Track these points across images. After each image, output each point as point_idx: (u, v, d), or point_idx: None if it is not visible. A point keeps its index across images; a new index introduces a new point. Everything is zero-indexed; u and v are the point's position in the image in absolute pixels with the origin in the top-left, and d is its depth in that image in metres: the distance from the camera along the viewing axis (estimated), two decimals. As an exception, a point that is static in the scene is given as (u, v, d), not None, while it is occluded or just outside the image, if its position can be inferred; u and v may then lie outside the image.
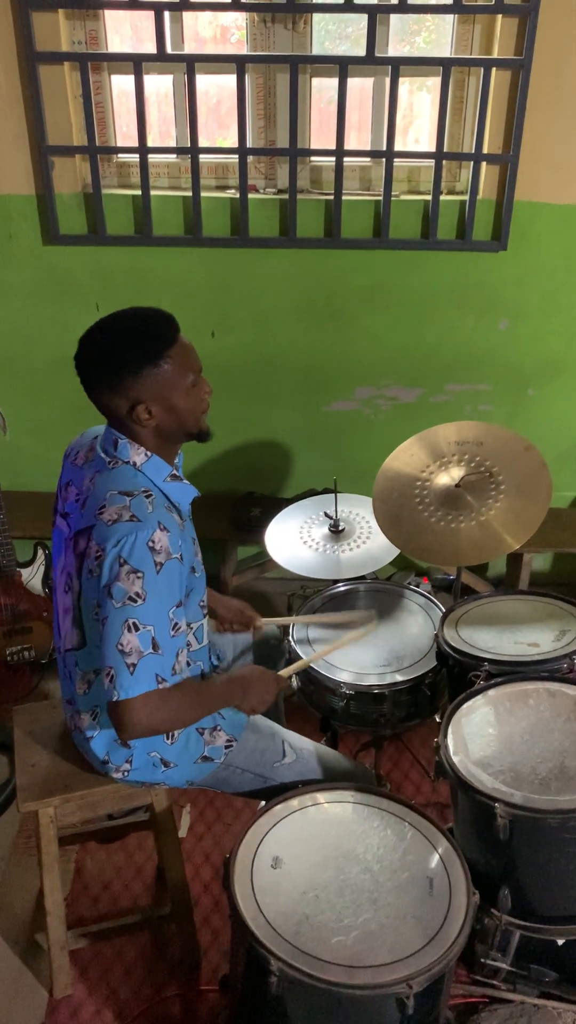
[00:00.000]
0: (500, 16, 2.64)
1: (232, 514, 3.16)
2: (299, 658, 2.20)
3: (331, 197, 2.88)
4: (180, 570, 1.65)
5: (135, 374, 1.60)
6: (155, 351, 1.61)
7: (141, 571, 1.56)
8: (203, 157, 2.87)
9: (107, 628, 1.58)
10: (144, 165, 2.82)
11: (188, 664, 1.82)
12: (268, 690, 1.86)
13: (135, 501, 1.60)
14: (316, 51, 2.85)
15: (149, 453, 1.68)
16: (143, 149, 2.80)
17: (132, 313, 1.66)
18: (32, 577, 2.91)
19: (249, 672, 1.87)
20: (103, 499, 1.62)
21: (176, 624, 1.64)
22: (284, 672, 1.98)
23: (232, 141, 2.85)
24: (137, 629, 1.57)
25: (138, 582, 1.56)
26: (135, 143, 2.81)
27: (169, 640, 1.62)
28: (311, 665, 2.20)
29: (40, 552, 2.95)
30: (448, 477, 2.31)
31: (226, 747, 1.86)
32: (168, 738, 1.80)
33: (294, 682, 2.30)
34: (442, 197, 2.89)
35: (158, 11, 2.63)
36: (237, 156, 2.82)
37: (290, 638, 2.27)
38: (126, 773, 1.82)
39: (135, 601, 1.57)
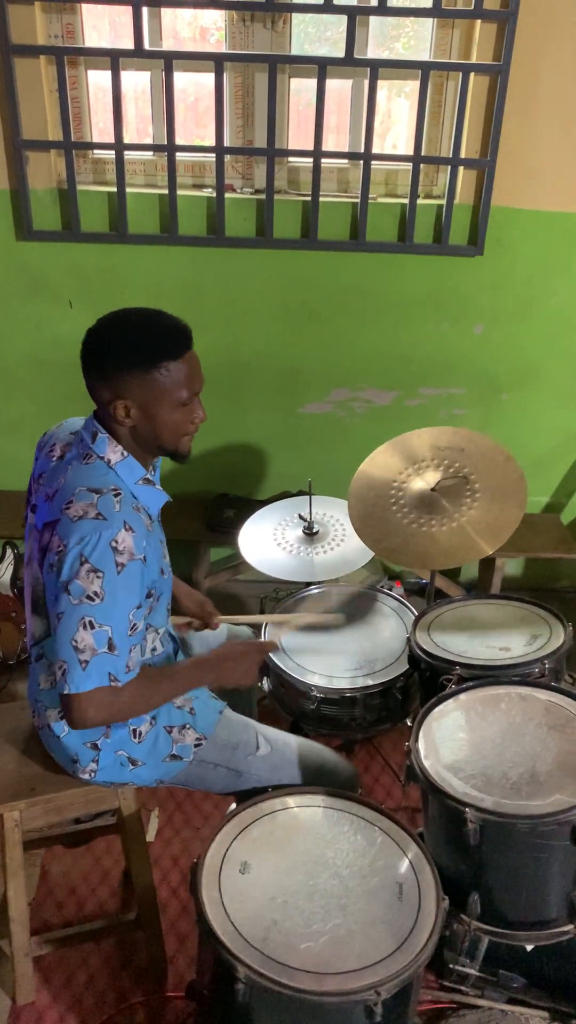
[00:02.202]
0: (479, 21, 2.64)
1: (205, 515, 3.14)
2: (273, 664, 2.19)
3: (308, 198, 2.87)
4: (143, 571, 1.62)
5: (126, 371, 1.59)
6: (152, 357, 1.59)
7: (101, 571, 1.55)
8: (180, 155, 2.84)
9: (62, 623, 1.57)
10: (120, 162, 2.79)
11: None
12: (251, 660, 1.85)
13: (103, 499, 1.58)
14: (295, 52, 2.84)
15: (125, 453, 1.66)
16: (119, 145, 2.77)
17: (153, 314, 1.65)
18: (0, 576, 2.87)
19: (227, 648, 1.85)
20: (71, 494, 1.60)
21: (135, 625, 1.62)
22: (264, 643, 1.97)
23: (209, 140, 2.83)
24: (93, 628, 1.56)
25: (97, 581, 1.55)
26: (111, 139, 2.79)
27: (125, 640, 1.60)
28: (283, 668, 2.18)
29: (9, 551, 2.91)
30: (424, 481, 2.31)
31: (195, 745, 1.84)
32: (135, 737, 1.77)
33: (265, 685, 2.28)
34: (419, 201, 2.89)
35: (136, 6, 2.61)
36: (214, 155, 2.80)
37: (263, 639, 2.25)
38: (93, 774, 1.79)
39: (92, 600, 1.55)
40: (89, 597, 1.55)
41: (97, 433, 1.66)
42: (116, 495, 1.60)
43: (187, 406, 1.65)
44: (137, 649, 1.66)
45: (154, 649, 1.81)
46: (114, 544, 1.55)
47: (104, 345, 1.62)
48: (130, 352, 1.60)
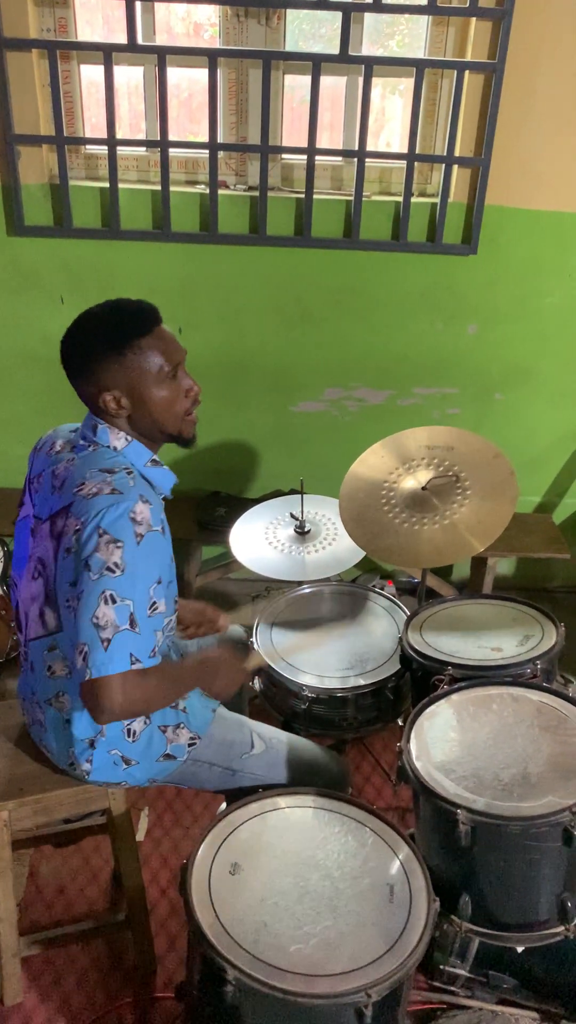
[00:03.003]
0: (474, 19, 2.64)
1: (197, 513, 3.13)
2: (264, 663, 2.18)
3: (302, 195, 2.86)
4: (163, 544, 1.61)
5: (101, 361, 1.60)
6: (121, 338, 1.60)
7: (121, 540, 1.52)
8: (173, 151, 2.83)
9: (83, 601, 1.52)
10: (113, 157, 2.77)
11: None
12: (235, 677, 1.83)
13: (116, 476, 1.58)
14: (290, 49, 2.82)
15: (129, 438, 1.66)
16: (112, 141, 2.76)
17: (110, 303, 1.66)
18: (-9, 574, 2.85)
19: (218, 656, 1.82)
20: (83, 477, 1.59)
21: (155, 604, 1.59)
22: (250, 663, 1.95)
23: (203, 136, 2.81)
24: (114, 602, 1.52)
25: (117, 552, 1.52)
26: (104, 135, 2.77)
27: (147, 619, 1.57)
28: (272, 667, 2.17)
29: (0, 550, 2.89)
30: (415, 480, 2.30)
31: (189, 745, 1.83)
32: (129, 736, 1.76)
33: (256, 684, 2.27)
34: (413, 199, 2.88)
35: (129, 0, 2.59)
36: (208, 151, 2.78)
37: (254, 641, 2.24)
38: (87, 773, 1.78)
39: (113, 572, 1.52)
40: (109, 569, 1.51)
41: (97, 426, 1.66)
42: (129, 473, 1.60)
43: (174, 379, 1.64)
44: (160, 635, 1.62)
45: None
46: (132, 515, 1.54)
47: (75, 343, 1.63)
48: (99, 341, 1.61)
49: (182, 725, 1.83)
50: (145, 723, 1.78)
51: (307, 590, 2.48)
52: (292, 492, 2.82)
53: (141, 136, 2.94)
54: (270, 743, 1.89)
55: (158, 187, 2.85)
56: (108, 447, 1.66)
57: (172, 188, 2.84)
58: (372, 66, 2.68)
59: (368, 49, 2.83)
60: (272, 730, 1.95)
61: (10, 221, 2.88)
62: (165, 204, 2.83)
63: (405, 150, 2.80)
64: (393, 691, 2.16)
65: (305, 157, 2.80)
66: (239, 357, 3.11)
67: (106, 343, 1.60)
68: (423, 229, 2.93)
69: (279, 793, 1.77)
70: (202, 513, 3.11)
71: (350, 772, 1.97)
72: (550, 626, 2.13)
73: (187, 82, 2.94)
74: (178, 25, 2.89)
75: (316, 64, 2.67)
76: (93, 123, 2.92)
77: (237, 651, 2.16)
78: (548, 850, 1.61)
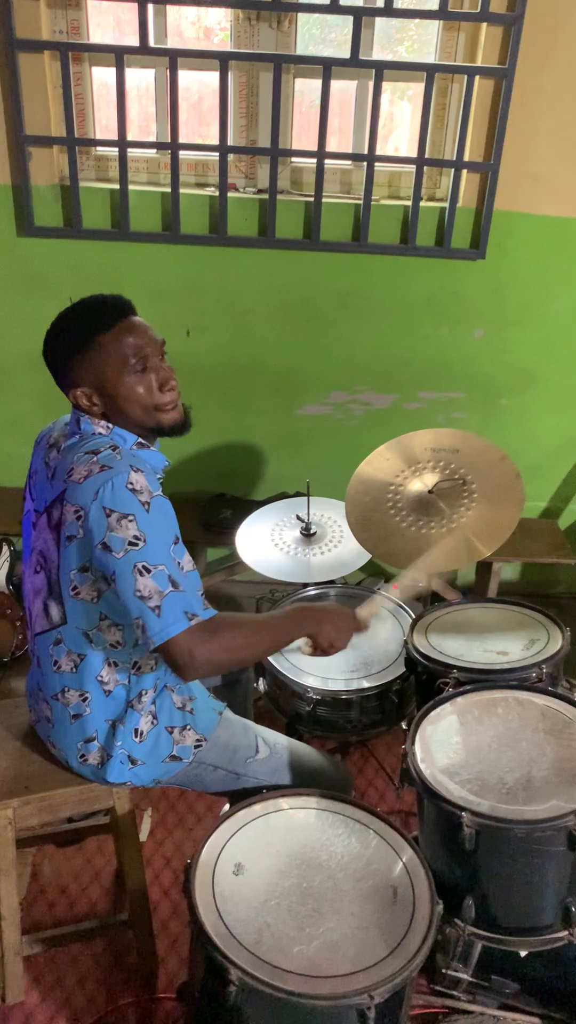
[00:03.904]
0: (485, 24, 2.64)
1: (202, 515, 3.13)
2: (268, 664, 2.18)
3: (311, 199, 2.87)
4: (168, 505, 1.59)
5: (68, 360, 1.62)
6: (83, 335, 1.60)
7: (131, 514, 1.52)
8: (183, 154, 2.84)
9: (119, 582, 1.53)
10: (123, 159, 2.78)
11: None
12: (347, 626, 1.79)
13: (102, 455, 1.58)
14: (300, 53, 2.83)
15: (110, 425, 1.66)
16: (122, 143, 2.77)
17: (80, 302, 1.66)
18: (-4, 573, 2.86)
19: (328, 605, 1.81)
20: (71, 463, 1.60)
21: (179, 563, 1.57)
22: (361, 611, 1.87)
23: (213, 139, 2.82)
24: (149, 571, 1.52)
25: (131, 526, 1.52)
26: (114, 136, 2.78)
27: (183, 577, 1.56)
28: (278, 669, 2.17)
29: (5, 548, 2.90)
30: (421, 483, 2.30)
31: (195, 746, 1.83)
32: (136, 736, 1.76)
33: (261, 685, 2.27)
34: (422, 203, 2.89)
35: (141, 3, 2.60)
36: (217, 154, 2.79)
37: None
38: (93, 770, 1.78)
39: (136, 544, 1.52)
40: (132, 543, 1.52)
41: (80, 418, 1.67)
42: (114, 449, 1.60)
43: (143, 372, 1.62)
44: (199, 591, 1.60)
45: None
46: (130, 486, 1.54)
47: (48, 344, 1.65)
48: (64, 340, 1.62)
49: (189, 726, 1.82)
50: (152, 723, 1.78)
51: (312, 592, 2.48)
52: (298, 495, 2.83)
53: (151, 138, 2.95)
54: (274, 748, 1.89)
55: (168, 189, 2.86)
56: (93, 434, 1.66)
57: (182, 190, 2.85)
58: (382, 70, 2.69)
59: (378, 54, 2.84)
60: (275, 735, 1.95)
61: (20, 222, 2.89)
62: (174, 206, 2.84)
63: (414, 154, 2.81)
64: (397, 694, 2.16)
65: (315, 160, 2.80)
66: (245, 359, 3.11)
67: (69, 342, 1.62)
68: (431, 233, 2.93)
69: (283, 794, 1.76)
70: (207, 515, 3.11)
71: (352, 779, 1.96)
72: (556, 630, 2.13)
73: (198, 85, 2.95)
74: (189, 30, 2.90)
75: (327, 68, 2.68)
76: (104, 125, 2.93)
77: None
78: (552, 854, 1.61)
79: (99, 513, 1.52)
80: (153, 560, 1.53)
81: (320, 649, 1.78)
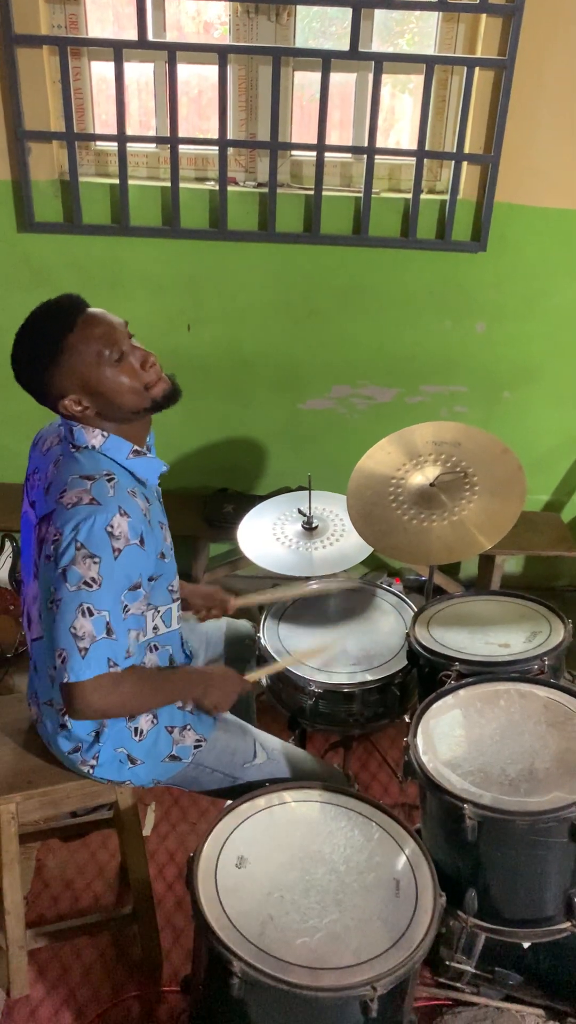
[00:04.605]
0: (484, 16, 2.63)
1: (204, 510, 3.13)
2: (271, 658, 2.18)
3: (311, 192, 2.86)
4: (140, 555, 1.60)
5: (42, 374, 1.58)
6: (52, 343, 1.57)
7: (99, 556, 1.54)
8: (183, 148, 2.83)
9: (60, 610, 1.56)
10: (123, 154, 2.78)
11: (155, 648, 1.78)
12: (232, 690, 1.85)
13: (96, 484, 1.57)
14: (299, 46, 2.82)
15: (106, 433, 1.65)
16: (122, 137, 2.76)
17: (31, 314, 1.62)
18: (-1, 569, 2.86)
19: (215, 668, 1.86)
20: (64, 483, 1.59)
21: (127, 607, 1.60)
22: (250, 676, 1.97)
23: (212, 133, 2.82)
24: (91, 614, 1.55)
25: (95, 567, 1.54)
26: (114, 131, 2.77)
27: (122, 623, 1.59)
28: (266, 679, 2.18)
29: (8, 544, 2.90)
30: (423, 476, 2.30)
31: (195, 747, 1.83)
32: (136, 735, 1.77)
33: (263, 680, 2.27)
34: (422, 196, 2.88)
35: (140, -3, 2.59)
36: (217, 147, 2.79)
37: (261, 636, 2.25)
38: (92, 768, 1.78)
39: (90, 586, 1.54)
40: (87, 583, 1.54)
41: (72, 428, 1.65)
42: (109, 480, 1.59)
43: (121, 359, 1.59)
44: (135, 634, 1.64)
45: (156, 628, 1.79)
46: (109, 529, 1.54)
47: (18, 369, 1.61)
48: (35, 354, 1.58)
49: (189, 727, 1.83)
50: (152, 723, 1.79)
51: (314, 586, 2.47)
52: (300, 489, 2.83)
53: (151, 132, 2.94)
54: (271, 753, 1.90)
55: (168, 183, 2.85)
56: (87, 447, 1.64)
57: (182, 184, 2.84)
58: (382, 63, 2.68)
59: (378, 46, 2.83)
60: (273, 740, 1.96)
61: (20, 217, 2.89)
62: (175, 200, 2.84)
63: (414, 147, 2.80)
64: (400, 687, 2.16)
65: (314, 154, 2.80)
66: (247, 354, 3.11)
67: (38, 355, 1.58)
68: (432, 226, 2.92)
69: (285, 787, 1.77)
70: (210, 510, 3.11)
71: (350, 784, 1.97)
72: (558, 623, 2.13)
73: (197, 79, 2.94)
74: (188, 24, 2.89)
75: (326, 61, 2.67)
76: (103, 119, 2.92)
77: (241, 662, 2.17)
78: (554, 845, 1.61)
79: (71, 543, 1.54)
80: (100, 605, 1.55)
81: (203, 711, 1.84)
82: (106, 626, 1.57)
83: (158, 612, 1.78)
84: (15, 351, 1.61)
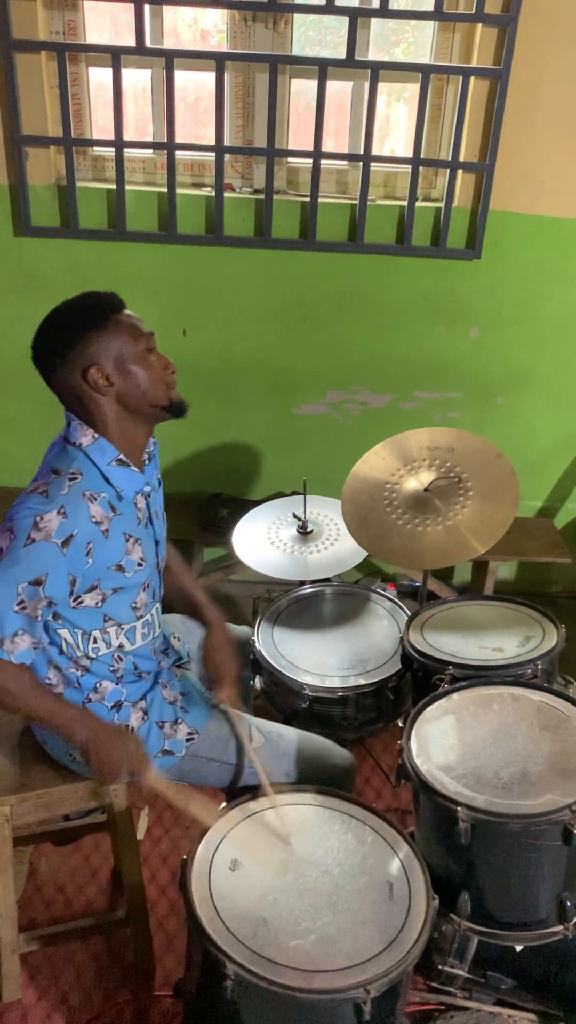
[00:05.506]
0: (480, 25, 2.65)
1: (199, 515, 3.13)
2: (266, 662, 2.18)
3: (307, 199, 2.87)
4: (56, 557, 1.56)
5: (81, 339, 1.60)
6: (99, 315, 1.62)
7: (14, 535, 1.54)
8: (180, 154, 2.85)
9: None
10: (120, 159, 2.79)
11: (120, 659, 1.77)
12: (121, 757, 1.66)
13: (57, 480, 1.59)
14: (296, 54, 2.84)
15: (96, 435, 1.65)
16: (119, 143, 2.77)
17: (75, 296, 1.67)
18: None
19: (120, 734, 1.69)
20: (40, 472, 1.65)
21: (23, 603, 1.55)
22: (158, 784, 1.72)
23: (209, 139, 2.83)
24: None
25: (7, 540, 1.54)
26: (111, 137, 2.78)
27: (10, 614, 1.55)
28: (275, 666, 2.18)
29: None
30: (417, 481, 2.31)
31: (187, 740, 1.83)
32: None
33: (258, 683, 2.28)
34: (417, 204, 2.90)
35: (138, 4, 2.61)
36: (214, 154, 2.80)
37: (255, 640, 2.25)
38: (84, 765, 1.78)
39: None
40: None
41: (71, 422, 1.67)
42: (72, 478, 1.60)
43: (150, 352, 1.65)
44: (28, 637, 1.58)
45: (121, 645, 1.75)
46: (37, 519, 1.54)
47: (52, 333, 1.64)
48: (78, 322, 1.62)
49: (180, 720, 1.83)
50: (143, 719, 1.79)
51: (309, 590, 2.48)
52: (295, 493, 2.84)
53: (148, 138, 2.96)
54: (269, 736, 1.89)
55: (164, 189, 2.86)
56: (75, 444, 1.64)
57: (178, 190, 2.86)
58: (378, 71, 2.70)
59: (374, 55, 2.85)
60: (274, 725, 1.95)
61: (17, 222, 2.89)
62: (171, 206, 2.85)
63: (410, 155, 2.82)
64: (394, 691, 2.16)
65: (311, 161, 2.81)
66: (242, 359, 3.12)
67: (85, 321, 1.61)
68: (427, 233, 2.94)
69: (279, 790, 1.77)
70: (204, 515, 3.11)
71: (355, 765, 1.96)
72: (551, 627, 2.14)
73: (194, 85, 2.96)
74: (185, 32, 2.91)
75: (323, 68, 2.69)
76: (100, 125, 2.94)
77: (240, 652, 2.15)
78: (547, 848, 1.61)
79: (6, 517, 1.57)
80: None
81: (88, 764, 1.68)
82: None
83: (121, 629, 1.74)
84: (52, 322, 1.64)
